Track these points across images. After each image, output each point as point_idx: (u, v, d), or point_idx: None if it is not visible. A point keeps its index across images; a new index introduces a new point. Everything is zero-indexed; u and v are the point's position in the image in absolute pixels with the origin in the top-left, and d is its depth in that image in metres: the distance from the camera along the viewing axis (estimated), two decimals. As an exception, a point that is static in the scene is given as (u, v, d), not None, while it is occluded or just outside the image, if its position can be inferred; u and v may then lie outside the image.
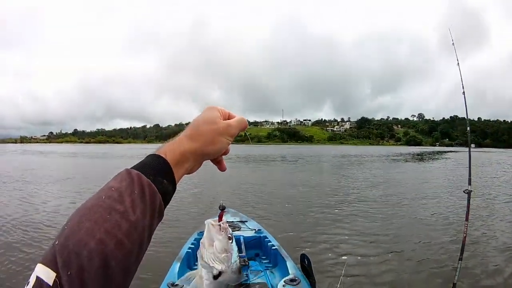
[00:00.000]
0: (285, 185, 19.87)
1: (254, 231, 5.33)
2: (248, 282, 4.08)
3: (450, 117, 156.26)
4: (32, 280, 0.51)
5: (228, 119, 0.84)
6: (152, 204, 0.65)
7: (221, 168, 0.90)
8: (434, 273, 6.19)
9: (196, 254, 3.67)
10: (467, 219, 2.84)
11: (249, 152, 63.26)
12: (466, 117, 3.48)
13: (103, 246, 0.54)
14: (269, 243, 4.89)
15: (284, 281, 3.53)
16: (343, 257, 7.16)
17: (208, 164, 0.88)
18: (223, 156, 0.89)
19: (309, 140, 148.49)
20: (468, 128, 3.43)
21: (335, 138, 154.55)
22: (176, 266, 3.99)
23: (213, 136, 0.78)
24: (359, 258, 7.22)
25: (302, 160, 44.87)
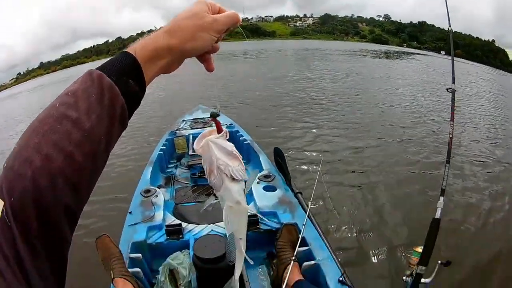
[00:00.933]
0: (250, 79, 19.42)
1: (225, 125, 5.21)
2: (222, 180, 4.06)
3: (418, 22, 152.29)
4: None
5: (218, 13, 0.72)
6: (111, 108, 0.56)
7: (208, 67, 0.78)
8: (420, 177, 6.02)
9: (169, 159, 3.49)
10: (452, 119, 2.73)
11: None
12: (448, 18, 3.20)
13: (50, 162, 0.47)
14: (241, 138, 4.83)
15: (258, 178, 3.46)
16: (318, 153, 7.01)
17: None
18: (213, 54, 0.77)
19: (271, 35, 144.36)
20: (450, 28, 3.18)
21: (298, 33, 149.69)
22: (148, 171, 3.87)
23: (194, 32, 0.67)
24: (339, 154, 7.11)
25: (265, 54, 43.59)
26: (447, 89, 2.85)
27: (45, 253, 0.47)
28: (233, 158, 0.87)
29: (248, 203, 2.83)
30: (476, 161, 6.86)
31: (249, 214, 2.81)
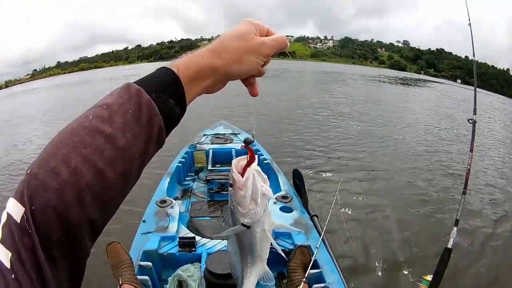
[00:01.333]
0: (269, 98, 19.17)
1: (246, 143, 5.21)
2: (239, 197, 4.04)
3: (436, 49, 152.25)
4: (3, 217, 0.43)
5: (267, 36, 0.68)
6: (148, 126, 0.52)
7: (252, 92, 0.74)
8: (435, 205, 5.91)
9: (187, 172, 3.49)
10: (471, 150, 2.68)
11: None
12: (472, 49, 3.17)
13: (78, 177, 0.44)
14: (261, 157, 4.79)
15: (275, 198, 3.44)
16: (336, 175, 6.93)
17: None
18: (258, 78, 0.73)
19: (291, 55, 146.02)
20: (474, 58, 3.16)
21: (317, 55, 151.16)
22: (166, 182, 3.90)
23: (241, 54, 0.63)
24: (354, 178, 7.07)
25: (286, 74, 44.03)
26: (468, 120, 2.80)
27: (64, 261, 0.45)
28: (266, 181, 0.85)
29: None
30: (492, 194, 6.76)
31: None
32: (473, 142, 2.77)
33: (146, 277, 2.23)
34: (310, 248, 2.52)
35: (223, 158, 4.84)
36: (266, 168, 4.57)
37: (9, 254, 0.41)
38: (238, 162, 0.82)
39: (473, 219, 5.44)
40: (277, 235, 2.81)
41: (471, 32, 3.30)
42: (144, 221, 2.95)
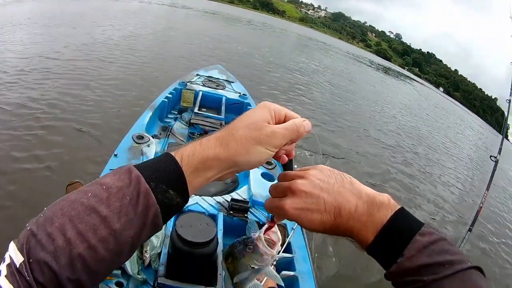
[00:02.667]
0: (253, 49, 19.65)
1: (238, 94, 4.96)
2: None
3: (427, 52, 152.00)
4: (7, 258, 0.48)
5: (284, 121, 0.67)
6: (144, 215, 0.53)
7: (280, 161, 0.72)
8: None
9: (171, 109, 3.26)
10: (487, 189, 2.57)
11: (218, 9, 59.30)
12: (510, 89, 3.03)
13: (71, 247, 0.48)
14: (248, 107, 4.56)
15: None
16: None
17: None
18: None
19: (280, 14, 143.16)
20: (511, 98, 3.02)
21: (306, 21, 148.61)
22: (147, 116, 3.62)
23: (249, 145, 0.61)
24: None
25: (275, 30, 44.26)
26: (490, 157, 2.70)
27: None
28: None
29: (242, 185, 2.58)
30: (498, 235, 6.73)
31: (240, 198, 2.63)
32: (491, 181, 2.67)
33: None
34: (286, 227, 2.33)
35: (212, 103, 4.60)
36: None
37: (11, 287, 0.46)
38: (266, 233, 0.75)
39: (475, 257, 5.38)
40: (253, 203, 2.64)
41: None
42: (115, 155, 2.69)
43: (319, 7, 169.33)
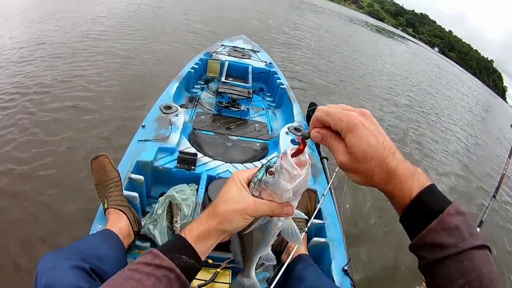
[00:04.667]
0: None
1: (264, 63, 4.87)
2: (248, 118, 3.80)
3: (421, 13, 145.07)
4: None
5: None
6: (165, 277, 0.73)
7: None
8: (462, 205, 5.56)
9: (197, 80, 3.22)
10: (510, 156, 2.46)
11: None
12: None
13: None
14: (277, 80, 4.48)
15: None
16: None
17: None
18: None
19: None
20: None
21: None
22: (174, 87, 3.59)
23: (229, 215, 0.80)
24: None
25: None
26: (511, 126, 2.62)
27: None
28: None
29: (271, 152, 2.55)
30: None
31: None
32: None
33: (135, 194, 1.97)
34: (317, 193, 2.30)
35: (238, 73, 4.53)
36: (280, 93, 4.30)
37: None
38: (291, 151, 0.78)
39: (497, 224, 5.25)
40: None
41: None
42: (143, 126, 2.67)
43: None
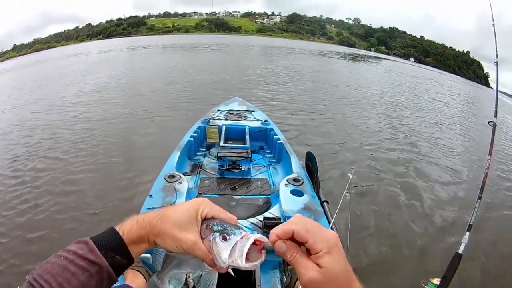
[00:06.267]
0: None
1: (260, 122, 5.11)
2: (250, 177, 3.97)
3: (389, 27, 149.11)
4: None
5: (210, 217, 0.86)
6: (100, 272, 0.78)
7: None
8: (448, 212, 5.55)
9: (198, 147, 3.41)
10: (490, 154, 2.58)
11: (176, 41, 61.18)
12: (495, 50, 3.03)
13: None
14: (274, 136, 4.69)
15: (287, 180, 3.33)
16: (351, 165, 6.54)
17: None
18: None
19: (237, 30, 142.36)
20: (497, 59, 3.03)
21: (264, 30, 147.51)
22: (176, 156, 3.82)
23: (168, 238, 0.82)
24: (368, 167, 6.96)
25: (230, 49, 44.65)
26: (488, 122, 2.71)
27: None
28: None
29: (273, 205, 2.69)
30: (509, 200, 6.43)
31: (272, 216, 2.76)
32: (492, 146, 2.67)
33: (148, 255, 2.14)
34: None
35: (236, 135, 4.75)
36: (278, 148, 4.48)
37: None
38: (258, 239, 0.77)
39: (487, 225, 5.20)
40: (285, 219, 2.71)
41: (495, 33, 3.17)
42: (150, 195, 2.87)
43: (272, 13, 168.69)
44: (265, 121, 5.15)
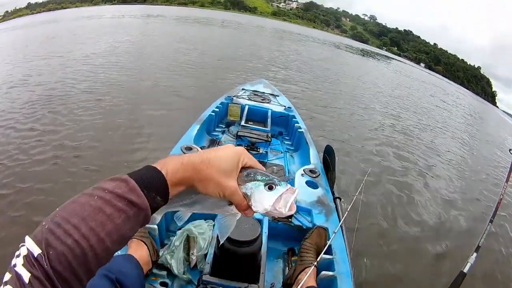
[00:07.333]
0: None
1: (283, 107, 5.07)
2: (266, 161, 3.95)
3: (404, 30, 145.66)
4: (24, 250, 0.59)
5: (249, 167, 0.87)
6: (138, 214, 0.70)
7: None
8: (458, 232, 5.41)
9: (218, 123, 3.42)
10: (507, 181, 2.53)
11: (191, 14, 59.95)
12: None
13: (85, 240, 0.60)
14: (295, 124, 4.65)
15: (303, 170, 3.30)
16: (367, 164, 6.72)
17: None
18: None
19: (252, 11, 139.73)
20: None
21: (279, 14, 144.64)
22: (195, 129, 3.81)
23: (210, 182, 0.80)
24: (383, 167, 6.91)
25: (249, 27, 44.99)
26: (509, 150, 2.66)
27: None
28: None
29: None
30: None
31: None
32: (510, 173, 2.61)
33: (155, 226, 2.16)
34: (328, 231, 2.40)
35: (258, 117, 4.74)
36: (298, 136, 4.45)
37: (29, 274, 0.56)
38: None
39: (495, 250, 5.12)
40: (297, 209, 2.70)
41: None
42: None
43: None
44: (288, 107, 5.11)
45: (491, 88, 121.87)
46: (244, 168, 0.85)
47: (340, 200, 3.15)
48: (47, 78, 9.16)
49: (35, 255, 0.57)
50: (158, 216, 2.24)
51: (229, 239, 1.89)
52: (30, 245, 0.59)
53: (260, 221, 2.29)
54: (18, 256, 0.59)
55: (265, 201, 0.81)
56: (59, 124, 6.09)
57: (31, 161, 4.77)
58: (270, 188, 0.82)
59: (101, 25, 26.35)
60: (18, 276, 0.56)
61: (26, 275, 0.56)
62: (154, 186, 0.73)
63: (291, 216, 2.63)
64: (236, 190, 0.81)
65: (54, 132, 5.76)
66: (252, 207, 0.83)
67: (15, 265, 0.57)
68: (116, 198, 0.67)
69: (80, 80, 9.11)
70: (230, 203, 0.86)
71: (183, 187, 0.79)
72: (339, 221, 2.61)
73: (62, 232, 0.60)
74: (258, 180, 0.83)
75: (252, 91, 5.56)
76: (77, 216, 0.63)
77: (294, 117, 4.86)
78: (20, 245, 0.60)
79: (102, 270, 1.44)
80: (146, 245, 2.03)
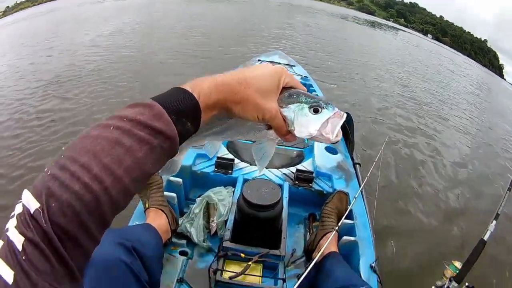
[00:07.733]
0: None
1: (300, 77, 5.00)
2: (285, 128, 3.91)
3: (410, 2, 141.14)
4: (19, 208, 0.47)
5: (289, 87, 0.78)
6: (161, 147, 0.57)
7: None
8: (477, 198, 5.33)
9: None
10: None
11: None
12: None
13: (98, 182, 0.48)
14: (313, 93, 4.56)
15: None
16: (387, 131, 6.67)
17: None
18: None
19: None
20: None
21: None
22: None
23: (249, 104, 0.70)
24: (403, 139, 6.78)
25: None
26: None
27: (75, 247, 0.48)
28: None
29: (306, 158, 2.64)
30: None
31: (305, 169, 2.72)
32: None
33: (173, 194, 2.15)
34: (348, 196, 2.38)
35: (275, 87, 4.64)
36: (316, 106, 4.35)
37: (22, 238, 0.44)
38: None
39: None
40: (317, 174, 2.70)
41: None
42: None
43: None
44: (304, 76, 5.06)
45: (498, 61, 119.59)
46: (285, 88, 0.77)
47: (360, 166, 3.12)
48: (57, 63, 9.17)
49: (32, 212, 0.45)
50: (181, 155, 2.22)
51: (249, 203, 1.88)
52: (26, 200, 0.47)
53: (280, 186, 2.28)
54: (12, 217, 0.47)
55: (311, 125, 0.74)
56: (74, 102, 6.19)
57: (46, 142, 4.86)
58: (316, 111, 0.74)
59: (104, 9, 25.93)
60: (9, 243, 0.45)
61: (18, 240, 0.44)
62: (184, 111, 0.61)
63: (311, 181, 2.61)
64: (277, 112, 0.73)
65: (67, 110, 5.88)
66: (295, 131, 0.76)
67: (7, 229, 0.46)
68: (138, 126, 0.54)
69: (90, 61, 9.13)
70: (269, 127, 0.79)
71: (216, 111, 0.69)
72: (359, 187, 2.58)
73: (68, 176, 0.48)
74: (302, 102, 0.75)
75: (268, 61, 5.47)
76: (88, 153, 0.50)
77: (311, 85, 4.80)
78: (16, 203, 0.48)
79: (118, 237, 1.42)
80: (165, 213, 2.01)
